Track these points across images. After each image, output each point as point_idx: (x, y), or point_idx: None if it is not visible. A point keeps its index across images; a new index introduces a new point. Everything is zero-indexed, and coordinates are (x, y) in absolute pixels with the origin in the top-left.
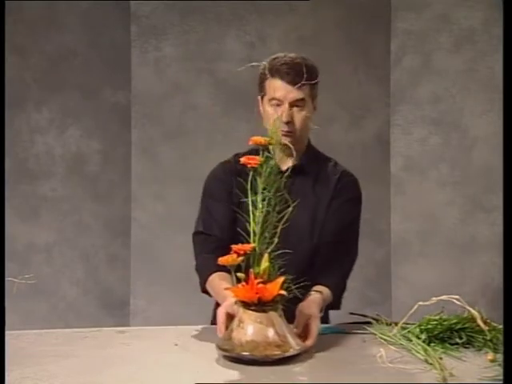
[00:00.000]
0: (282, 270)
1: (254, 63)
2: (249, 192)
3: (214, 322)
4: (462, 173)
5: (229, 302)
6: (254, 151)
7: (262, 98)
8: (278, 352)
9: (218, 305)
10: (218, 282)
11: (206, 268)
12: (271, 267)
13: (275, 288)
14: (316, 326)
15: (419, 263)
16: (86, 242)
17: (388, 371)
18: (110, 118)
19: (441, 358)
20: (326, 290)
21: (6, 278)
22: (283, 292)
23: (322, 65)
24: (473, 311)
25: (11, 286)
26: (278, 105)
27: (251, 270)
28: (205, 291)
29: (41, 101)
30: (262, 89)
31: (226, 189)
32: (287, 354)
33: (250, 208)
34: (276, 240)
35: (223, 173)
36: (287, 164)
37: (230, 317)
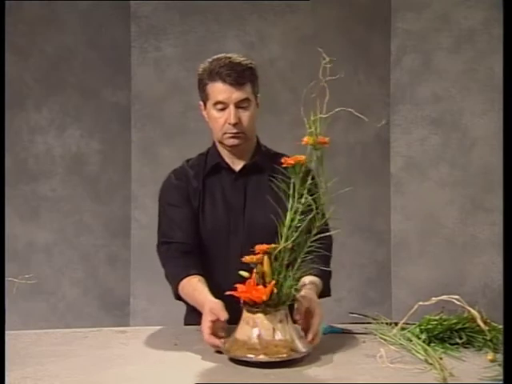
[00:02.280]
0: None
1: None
2: (291, 193)
3: (186, 323)
4: (462, 173)
5: (208, 310)
6: (202, 156)
7: (205, 102)
8: (285, 354)
9: (190, 307)
10: (192, 287)
11: (175, 275)
12: (271, 271)
13: (264, 292)
14: (320, 324)
15: (419, 263)
16: (86, 242)
17: (388, 371)
18: (110, 118)
19: (441, 358)
20: (317, 281)
21: (6, 278)
22: (265, 298)
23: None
24: (473, 311)
25: (11, 286)
26: (223, 108)
27: (254, 270)
28: (179, 298)
29: (41, 101)
30: (203, 95)
31: (182, 194)
32: (294, 356)
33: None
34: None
35: (176, 179)
36: (239, 164)
37: (215, 322)
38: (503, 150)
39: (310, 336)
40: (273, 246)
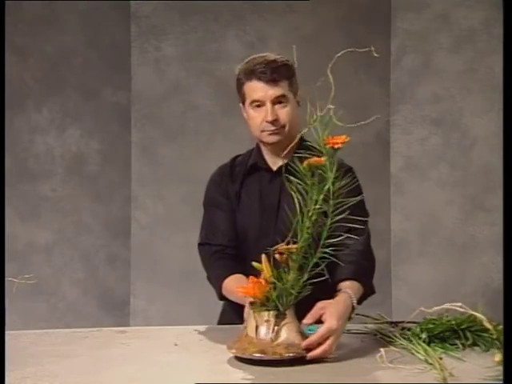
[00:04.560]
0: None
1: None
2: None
3: (220, 322)
4: (461, 173)
5: (248, 300)
6: (247, 153)
7: (244, 104)
8: (288, 353)
9: (232, 303)
10: (234, 284)
11: (217, 277)
12: (269, 270)
13: (251, 289)
14: (324, 335)
15: (419, 263)
16: (86, 242)
17: (388, 371)
18: (110, 118)
19: (441, 358)
20: (353, 286)
21: (6, 278)
22: (258, 296)
23: (323, 65)
24: (478, 315)
25: (11, 286)
26: (260, 105)
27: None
28: (222, 298)
29: (41, 101)
30: (241, 95)
31: (223, 194)
32: (298, 355)
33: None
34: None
35: (219, 177)
36: (278, 163)
37: None
38: (503, 150)
39: (303, 344)
40: (291, 246)
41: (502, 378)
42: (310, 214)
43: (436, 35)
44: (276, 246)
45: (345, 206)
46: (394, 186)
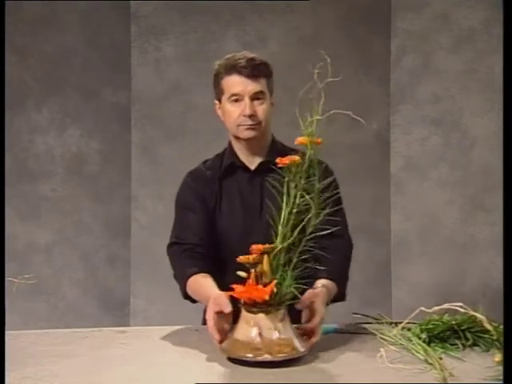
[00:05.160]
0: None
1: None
2: (285, 192)
3: (205, 322)
4: (461, 173)
5: (212, 301)
6: (218, 156)
7: (220, 99)
8: (287, 353)
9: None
10: (199, 284)
11: (183, 274)
12: (270, 270)
13: (266, 292)
14: (320, 323)
15: (419, 263)
16: (86, 242)
17: (388, 371)
18: (110, 118)
19: (441, 358)
20: (329, 284)
21: (6, 278)
22: (267, 297)
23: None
24: (478, 315)
25: (11, 286)
26: (238, 100)
27: (252, 270)
28: (187, 297)
29: (41, 101)
30: (218, 90)
31: (198, 197)
32: (297, 355)
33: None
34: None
35: (193, 181)
36: (255, 163)
37: (220, 314)
38: (503, 150)
39: (308, 327)
40: (269, 245)
41: (501, 378)
42: (295, 210)
43: (436, 35)
44: (255, 246)
45: (334, 198)
46: (394, 186)
